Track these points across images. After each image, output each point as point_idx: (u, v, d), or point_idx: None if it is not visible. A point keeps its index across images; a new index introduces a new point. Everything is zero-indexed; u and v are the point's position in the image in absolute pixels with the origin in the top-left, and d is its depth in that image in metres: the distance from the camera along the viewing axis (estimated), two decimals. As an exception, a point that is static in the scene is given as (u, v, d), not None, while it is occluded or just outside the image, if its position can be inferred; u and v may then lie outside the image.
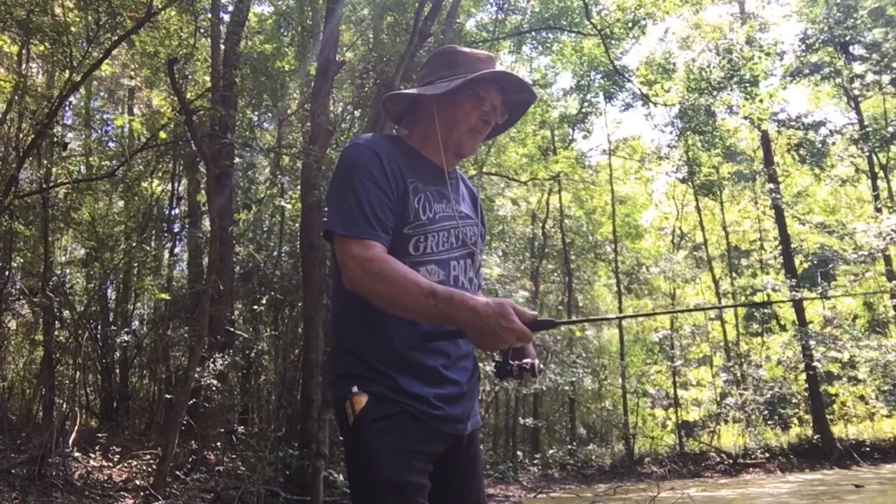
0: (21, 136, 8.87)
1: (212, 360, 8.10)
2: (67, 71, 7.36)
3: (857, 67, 18.84)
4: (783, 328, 19.73)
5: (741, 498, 9.98)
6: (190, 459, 7.62)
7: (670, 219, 24.07)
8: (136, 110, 13.71)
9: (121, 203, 11.64)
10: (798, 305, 17.23)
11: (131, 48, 9.75)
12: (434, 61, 1.78)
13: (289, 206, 11.64)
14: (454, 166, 1.80)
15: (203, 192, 11.36)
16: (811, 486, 10.83)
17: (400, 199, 1.60)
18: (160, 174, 12.23)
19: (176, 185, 12.87)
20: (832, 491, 9.60)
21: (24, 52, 9.17)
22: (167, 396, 9.77)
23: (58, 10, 7.55)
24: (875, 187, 18.89)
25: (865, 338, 16.94)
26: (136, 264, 11.28)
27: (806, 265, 19.42)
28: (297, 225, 10.64)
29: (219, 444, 8.34)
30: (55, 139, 9.58)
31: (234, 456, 8.15)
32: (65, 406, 9.06)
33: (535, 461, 15.33)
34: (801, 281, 17.75)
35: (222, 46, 10.20)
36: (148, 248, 11.31)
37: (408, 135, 1.78)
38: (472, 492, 1.72)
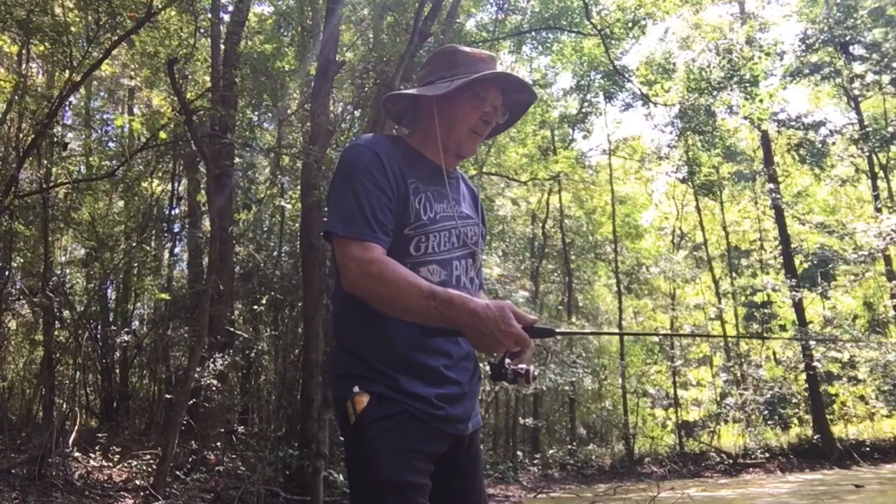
0: (21, 136, 8.87)
1: (212, 360, 8.10)
2: (67, 71, 7.36)
3: (857, 67, 18.84)
4: (783, 328, 19.74)
5: (741, 498, 9.97)
6: (190, 459, 7.62)
7: (670, 219, 24.08)
8: (136, 110, 13.71)
9: (121, 203, 11.64)
10: (798, 305, 17.25)
11: (131, 48, 9.75)
12: (434, 61, 1.77)
13: (289, 206, 11.64)
14: (454, 166, 1.80)
15: (203, 192, 11.36)
16: (811, 486, 10.83)
17: (400, 200, 1.59)
18: (160, 174, 12.22)
19: (176, 185, 12.86)
20: (832, 491, 9.60)
21: (24, 52, 9.16)
22: (167, 396, 9.77)
23: (58, 10, 7.55)
24: (875, 187, 18.90)
25: (865, 339, 16.95)
26: (136, 264, 11.27)
27: (806, 265, 19.43)
28: (297, 225, 10.64)
29: (219, 444, 8.34)
30: (55, 139, 9.58)
31: (234, 456, 8.14)
32: (65, 406, 9.06)
33: (535, 461, 15.32)
34: (801, 281, 17.75)
35: (222, 46, 10.20)
36: (148, 248, 11.31)
37: (408, 134, 1.78)
38: (473, 492, 1.71)
